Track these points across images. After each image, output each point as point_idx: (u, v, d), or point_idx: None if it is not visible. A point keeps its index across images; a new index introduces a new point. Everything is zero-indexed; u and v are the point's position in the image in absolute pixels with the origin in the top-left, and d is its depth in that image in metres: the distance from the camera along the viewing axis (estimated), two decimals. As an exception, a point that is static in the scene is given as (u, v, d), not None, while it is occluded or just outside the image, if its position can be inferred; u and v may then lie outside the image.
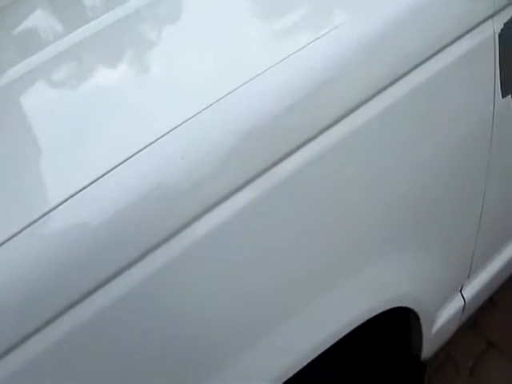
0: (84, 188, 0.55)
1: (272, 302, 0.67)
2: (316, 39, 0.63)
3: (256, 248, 0.63)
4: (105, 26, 0.87)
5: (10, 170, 0.65)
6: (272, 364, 0.70)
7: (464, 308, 1.02)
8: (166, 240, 0.56)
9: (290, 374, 0.72)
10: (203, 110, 0.59)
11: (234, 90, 0.60)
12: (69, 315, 0.53)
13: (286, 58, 0.62)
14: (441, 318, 0.97)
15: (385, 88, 0.66)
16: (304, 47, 0.63)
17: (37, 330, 0.52)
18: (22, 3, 1.18)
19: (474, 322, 1.40)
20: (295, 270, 0.67)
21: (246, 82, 0.61)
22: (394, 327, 0.91)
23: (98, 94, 0.73)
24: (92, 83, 0.78)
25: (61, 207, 0.54)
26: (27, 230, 0.53)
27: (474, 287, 1.03)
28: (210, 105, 0.59)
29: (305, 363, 0.73)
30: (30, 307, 0.52)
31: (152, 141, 0.57)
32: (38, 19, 1.09)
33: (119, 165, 0.56)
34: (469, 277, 1.00)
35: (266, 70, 0.61)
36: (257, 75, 0.61)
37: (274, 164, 0.60)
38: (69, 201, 0.54)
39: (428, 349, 0.99)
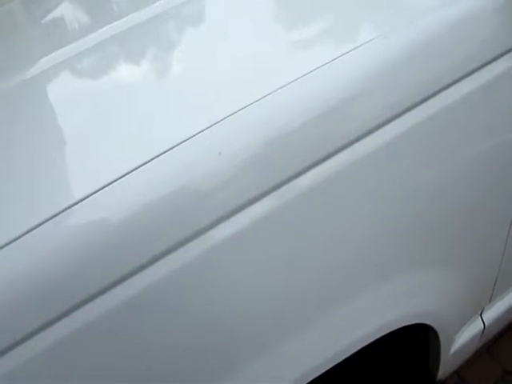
0: (106, 185, 0.56)
1: (290, 310, 0.68)
2: (341, 55, 0.65)
3: (275, 256, 0.64)
4: (133, 25, 0.89)
5: (34, 163, 0.66)
6: (284, 373, 0.72)
7: (483, 332, 1.03)
8: (184, 242, 0.57)
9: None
10: (225, 118, 0.60)
11: (257, 100, 0.61)
12: (86, 309, 0.54)
13: (311, 71, 0.63)
14: (459, 340, 0.98)
15: (411, 108, 0.67)
16: (329, 63, 0.64)
17: (53, 321, 0.54)
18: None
19: (490, 347, 1.40)
20: (315, 279, 0.68)
21: (269, 94, 0.62)
22: (414, 344, 0.92)
23: (124, 92, 0.74)
24: (119, 80, 0.80)
25: (83, 202, 0.55)
26: (48, 223, 0.54)
27: (495, 312, 1.03)
28: (232, 113, 0.60)
29: (318, 373, 0.74)
30: (49, 298, 0.53)
31: (174, 144, 0.58)
32: (68, 11, 1.13)
33: (143, 165, 0.57)
34: (490, 301, 1.00)
35: (290, 83, 0.62)
36: (281, 87, 0.62)
37: (297, 175, 0.61)
38: (91, 197, 0.56)
39: (444, 369, 0.99)
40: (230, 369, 0.67)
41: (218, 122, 0.60)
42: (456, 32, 0.69)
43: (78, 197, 0.56)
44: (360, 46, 0.66)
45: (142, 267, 0.56)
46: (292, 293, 0.67)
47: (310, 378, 0.73)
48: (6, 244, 0.54)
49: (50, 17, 1.13)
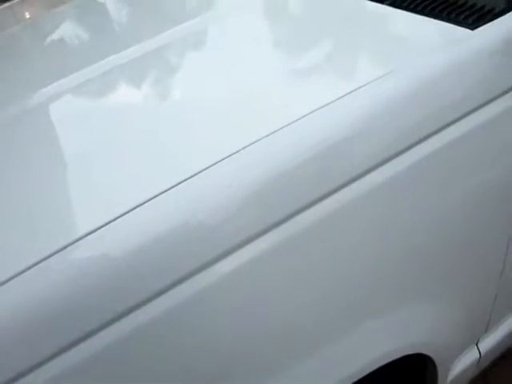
0: (117, 218, 0.58)
1: (287, 344, 0.70)
2: (345, 95, 0.68)
3: (277, 289, 0.66)
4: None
5: (39, 196, 0.68)
6: None
7: (479, 360, 1.05)
8: (191, 274, 0.58)
9: None
10: (228, 156, 0.62)
11: (261, 138, 0.64)
12: (89, 342, 0.55)
13: (318, 108, 0.66)
14: (456, 369, 0.99)
15: (411, 146, 0.69)
16: (331, 103, 0.67)
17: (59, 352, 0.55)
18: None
19: (485, 376, 1.41)
20: (312, 313, 0.70)
21: (275, 132, 0.64)
22: (411, 373, 0.94)
23: (130, 125, 0.76)
24: (126, 114, 0.80)
25: (90, 236, 0.57)
26: (56, 255, 0.56)
27: (490, 341, 1.05)
28: (233, 153, 0.63)
29: None
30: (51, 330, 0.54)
31: (181, 180, 0.61)
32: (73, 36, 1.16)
33: (151, 199, 0.59)
34: (486, 331, 1.02)
35: (296, 120, 0.65)
36: (285, 125, 0.65)
37: (300, 210, 0.63)
38: (99, 231, 0.57)
39: (441, 398, 1.01)
40: None
41: (225, 158, 0.62)
42: (458, 72, 0.73)
43: (85, 231, 0.58)
44: (362, 86, 0.69)
45: (151, 298, 0.57)
46: (289, 325, 0.69)
47: None
48: (13, 276, 0.55)
49: (56, 41, 1.15)
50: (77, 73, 0.91)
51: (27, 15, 1.39)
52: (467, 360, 1.01)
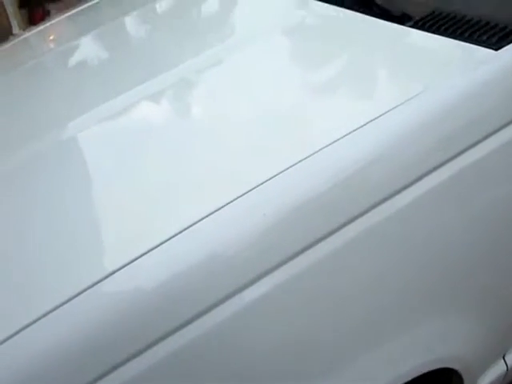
0: (147, 252, 0.61)
1: (315, 357, 0.72)
2: (374, 119, 0.70)
3: (312, 308, 0.68)
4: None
5: (73, 231, 0.71)
6: None
7: (506, 374, 1.05)
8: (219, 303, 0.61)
9: None
10: (258, 185, 0.65)
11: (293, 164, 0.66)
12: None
13: (341, 137, 0.69)
14: (483, 382, 1.00)
15: (434, 169, 0.71)
16: (357, 129, 0.69)
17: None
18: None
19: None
20: (345, 327, 0.73)
21: (304, 159, 0.67)
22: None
23: (163, 155, 0.79)
24: (157, 142, 0.82)
25: (123, 270, 0.60)
26: (88, 291, 0.59)
27: (518, 354, 1.05)
28: (265, 180, 0.65)
29: None
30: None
31: (206, 215, 0.63)
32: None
33: (178, 233, 0.62)
34: (513, 344, 1.03)
35: (323, 148, 0.68)
36: (315, 152, 0.67)
37: (329, 234, 0.66)
38: (131, 264, 0.60)
39: (468, 411, 1.01)
40: None
41: (258, 186, 0.65)
42: (482, 92, 0.75)
43: (116, 266, 0.61)
44: (391, 109, 0.71)
45: (179, 327, 0.60)
46: (316, 343, 0.71)
47: None
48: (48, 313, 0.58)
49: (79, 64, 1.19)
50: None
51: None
52: (494, 373, 1.01)
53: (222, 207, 0.64)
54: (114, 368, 0.58)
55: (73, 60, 1.21)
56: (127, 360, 0.58)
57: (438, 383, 0.95)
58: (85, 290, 0.59)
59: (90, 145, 0.89)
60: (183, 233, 0.62)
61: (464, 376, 0.90)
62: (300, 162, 0.67)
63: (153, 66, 1.01)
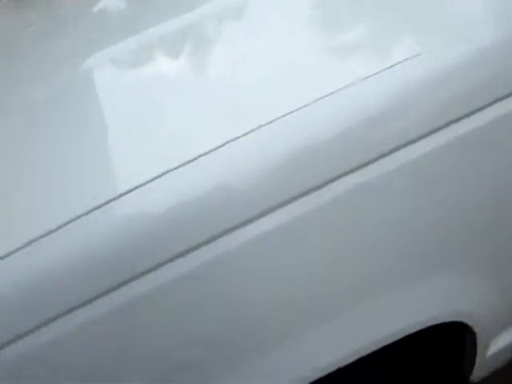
0: (155, 178, 0.64)
1: (325, 299, 0.75)
2: (379, 72, 0.70)
3: (316, 246, 0.70)
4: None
5: (81, 159, 0.74)
6: (318, 358, 0.78)
7: (519, 342, 1.06)
8: (212, 239, 0.64)
9: (331, 370, 0.79)
10: (265, 124, 0.67)
11: (298, 109, 0.68)
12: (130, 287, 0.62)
13: (347, 85, 0.69)
14: (496, 345, 1.01)
15: (443, 127, 0.71)
16: (369, 77, 0.70)
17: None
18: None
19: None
20: (355, 271, 0.75)
21: (310, 103, 0.68)
22: (452, 343, 0.97)
23: (173, 91, 0.81)
24: (170, 79, 0.86)
25: (131, 193, 0.64)
26: (94, 212, 0.63)
27: (533, 324, 1.06)
28: (268, 122, 0.67)
29: (357, 357, 0.80)
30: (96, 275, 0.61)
31: (216, 146, 0.66)
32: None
33: (186, 163, 0.65)
34: (529, 312, 1.04)
35: (328, 94, 0.68)
36: (319, 98, 0.68)
37: (331, 180, 0.67)
38: (139, 189, 0.64)
39: (478, 372, 1.03)
40: (258, 355, 0.73)
41: (263, 126, 0.67)
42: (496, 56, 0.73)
43: (126, 188, 0.64)
44: (394, 64, 0.71)
45: (180, 255, 0.63)
46: (327, 284, 0.74)
47: (345, 363, 0.80)
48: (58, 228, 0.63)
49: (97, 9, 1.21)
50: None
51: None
52: (508, 338, 1.03)
53: (234, 140, 0.66)
54: (114, 288, 0.62)
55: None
56: (128, 281, 0.62)
57: (452, 342, 0.98)
58: (92, 211, 0.63)
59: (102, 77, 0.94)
60: (193, 162, 0.65)
61: (478, 334, 0.92)
62: (311, 103, 0.68)
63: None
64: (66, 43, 1.11)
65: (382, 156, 0.69)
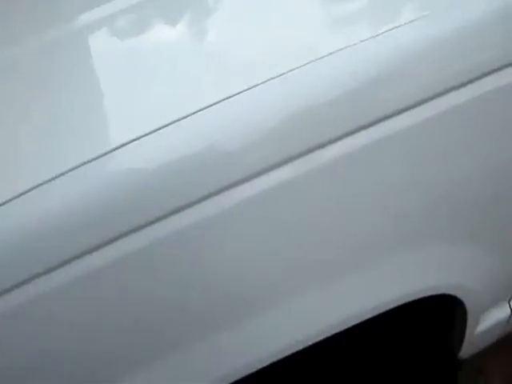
0: (143, 136, 0.62)
1: (313, 267, 0.73)
2: (376, 35, 0.68)
3: (289, 219, 0.68)
4: None
5: (75, 113, 0.72)
6: (305, 325, 0.77)
7: (509, 319, 1.05)
8: (204, 198, 0.62)
9: (319, 338, 0.77)
10: (258, 84, 0.64)
11: (292, 69, 0.65)
12: (117, 245, 0.61)
13: (346, 47, 0.67)
14: (486, 322, 1.00)
15: (446, 92, 0.69)
16: (364, 41, 0.67)
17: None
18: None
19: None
20: (344, 239, 0.73)
21: (304, 65, 0.65)
22: (442, 318, 0.96)
23: (163, 51, 0.79)
24: (159, 40, 0.84)
25: (122, 149, 0.62)
26: (85, 166, 0.61)
27: (524, 301, 1.06)
28: (266, 81, 0.64)
29: (343, 328, 0.78)
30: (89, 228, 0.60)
31: (207, 105, 0.63)
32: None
33: (174, 122, 0.63)
34: (520, 289, 1.03)
35: (325, 56, 0.66)
36: (317, 59, 0.66)
37: (313, 149, 0.65)
38: (129, 145, 0.62)
39: (467, 348, 1.02)
40: (238, 320, 0.72)
41: (252, 87, 0.64)
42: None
43: (119, 142, 0.62)
44: (396, 27, 0.68)
45: (170, 213, 0.61)
46: (308, 254, 0.72)
47: (327, 335, 0.78)
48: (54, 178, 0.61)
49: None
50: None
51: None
52: (498, 315, 1.02)
53: (228, 98, 0.64)
54: (105, 244, 0.60)
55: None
56: (119, 237, 0.61)
57: (441, 316, 0.97)
58: (82, 165, 0.61)
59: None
60: (183, 120, 0.63)
61: (468, 307, 0.91)
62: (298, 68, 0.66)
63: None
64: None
65: (383, 119, 0.67)
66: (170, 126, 0.63)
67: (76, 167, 0.61)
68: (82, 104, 0.74)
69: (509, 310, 1.04)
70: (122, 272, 0.62)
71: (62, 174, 0.61)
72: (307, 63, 0.66)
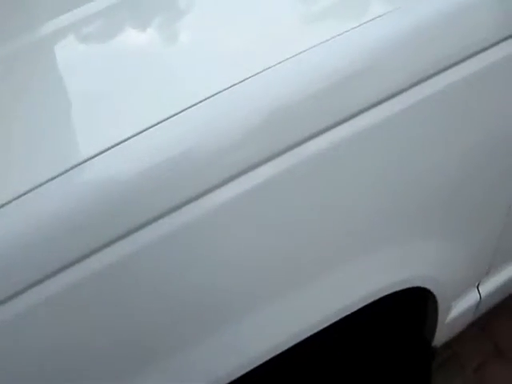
0: (120, 143, 0.59)
1: (283, 273, 0.72)
2: (351, 29, 0.67)
3: (266, 221, 0.67)
4: None
5: (46, 121, 0.69)
6: (281, 328, 0.76)
7: (479, 304, 1.07)
8: (181, 205, 0.60)
9: (297, 340, 0.77)
10: (234, 84, 0.63)
11: (268, 67, 0.64)
12: (90, 260, 0.58)
13: (319, 43, 0.66)
14: (456, 309, 1.02)
15: (417, 83, 0.69)
16: (339, 35, 0.67)
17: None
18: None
19: (484, 325, 1.45)
20: (316, 239, 0.72)
21: (279, 63, 0.64)
22: (413, 308, 0.97)
23: (136, 55, 0.77)
24: (130, 44, 0.82)
25: (94, 160, 0.59)
26: (60, 177, 0.58)
27: (491, 285, 1.07)
28: (238, 82, 0.63)
29: (316, 330, 0.78)
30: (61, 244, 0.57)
31: (182, 109, 0.61)
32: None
33: (147, 129, 0.61)
34: (487, 274, 1.04)
35: (300, 52, 0.65)
36: (292, 56, 0.65)
37: (297, 144, 0.64)
38: (103, 154, 0.59)
39: (440, 336, 1.04)
40: (224, 321, 0.71)
41: (231, 86, 0.63)
42: (467, 12, 0.71)
43: (90, 153, 0.60)
44: (368, 21, 0.68)
45: (146, 223, 0.59)
46: (289, 254, 0.71)
47: (305, 336, 0.78)
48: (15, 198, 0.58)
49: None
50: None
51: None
52: (467, 301, 1.04)
53: (202, 101, 0.62)
54: (81, 258, 0.58)
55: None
56: (93, 252, 0.58)
57: (414, 306, 0.98)
58: (56, 177, 0.59)
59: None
60: (160, 125, 0.61)
61: (438, 297, 0.92)
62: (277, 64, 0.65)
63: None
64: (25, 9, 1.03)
65: (360, 113, 0.67)
66: (146, 131, 0.61)
67: (48, 180, 0.58)
68: (50, 113, 0.71)
69: (477, 295, 1.06)
70: (108, 281, 0.60)
71: (30, 191, 0.58)
72: (284, 60, 0.65)
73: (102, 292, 0.61)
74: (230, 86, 0.63)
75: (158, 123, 0.61)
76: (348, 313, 0.80)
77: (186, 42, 0.79)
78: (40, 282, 0.58)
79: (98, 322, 0.63)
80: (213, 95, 0.62)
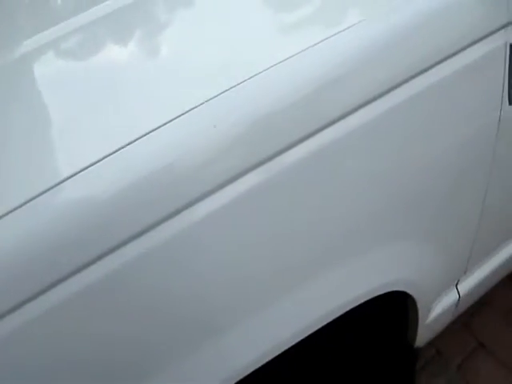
0: (98, 161, 0.59)
1: (267, 282, 0.72)
2: (330, 36, 0.68)
3: (261, 227, 0.67)
4: (120, 6, 0.90)
5: (24, 141, 0.68)
6: (268, 336, 0.76)
7: (458, 302, 1.08)
8: (166, 218, 0.60)
9: (283, 349, 0.77)
10: (214, 96, 0.63)
11: (249, 78, 0.64)
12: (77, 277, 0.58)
13: (300, 51, 0.66)
14: (436, 309, 1.03)
15: (393, 88, 0.70)
16: (317, 43, 0.67)
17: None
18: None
19: (466, 322, 1.46)
20: (294, 250, 0.72)
21: (260, 73, 0.65)
22: (393, 312, 0.97)
23: (114, 71, 0.76)
24: (109, 60, 0.81)
25: (74, 178, 0.58)
26: (38, 198, 0.57)
27: (470, 283, 1.09)
28: (221, 92, 0.63)
29: (299, 339, 0.78)
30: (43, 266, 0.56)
31: (162, 123, 0.61)
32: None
33: (136, 140, 0.60)
34: (465, 272, 1.05)
35: (279, 62, 0.65)
36: (271, 66, 0.65)
37: (282, 151, 0.64)
38: (81, 173, 0.58)
39: (421, 337, 1.04)
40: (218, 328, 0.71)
41: (212, 98, 0.63)
42: (439, 18, 0.73)
43: (70, 172, 0.59)
44: (343, 30, 0.69)
45: (127, 241, 0.59)
46: (270, 263, 0.70)
47: (290, 345, 0.78)
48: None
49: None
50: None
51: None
52: (447, 301, 1.05)
53: (180, 115, 0.62)
54: (57, 282, 0.57)
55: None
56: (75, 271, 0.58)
57: (394, 309, 0.98)
58: (36, 197, 0.58)
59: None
60: (140, 140, 0.61)
61: (417, 300, 0.92)
62: (255, 76, 0.65)
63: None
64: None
65: (337, 120, 0.67)
66: (127, 147, 0.60)
67: (27, 201, 0.57)
68: (26, 132, 0.70)
69: (456, 295, 1.07)
70: (99, 294, 0.60)
71: (11, 211, 0.57)
72: (263, 71, 0.65)
73: (95, 305, 0.60)
74: (211, 98, 0.63)
75: (141, 137, 0.60)
76: (330, 320, 0.80)
77: (165, 54, 0.79)
78: (26, 302, 0.57)
79: (93, 336, 0.62)
80: (191, 109, 0.62)
